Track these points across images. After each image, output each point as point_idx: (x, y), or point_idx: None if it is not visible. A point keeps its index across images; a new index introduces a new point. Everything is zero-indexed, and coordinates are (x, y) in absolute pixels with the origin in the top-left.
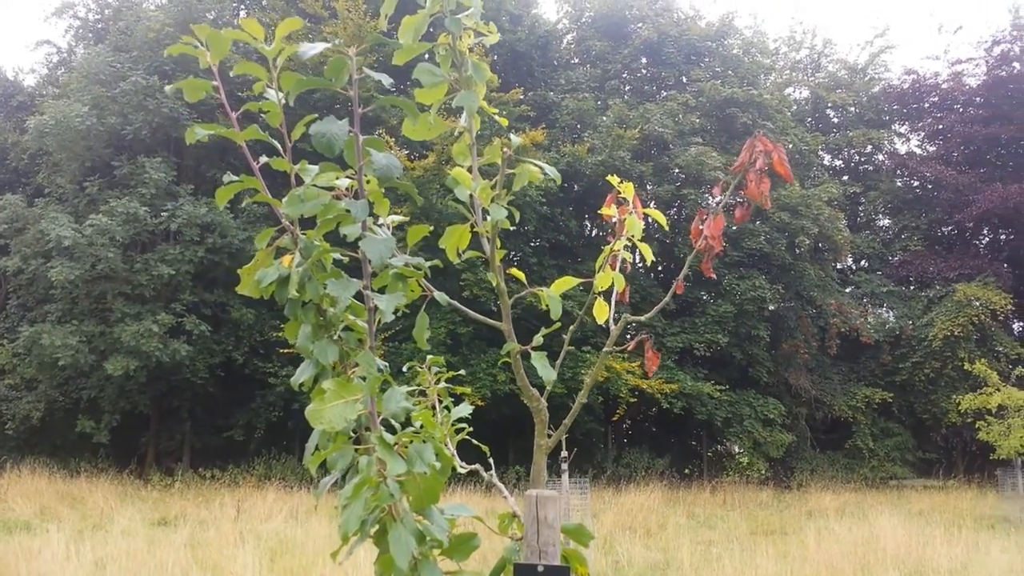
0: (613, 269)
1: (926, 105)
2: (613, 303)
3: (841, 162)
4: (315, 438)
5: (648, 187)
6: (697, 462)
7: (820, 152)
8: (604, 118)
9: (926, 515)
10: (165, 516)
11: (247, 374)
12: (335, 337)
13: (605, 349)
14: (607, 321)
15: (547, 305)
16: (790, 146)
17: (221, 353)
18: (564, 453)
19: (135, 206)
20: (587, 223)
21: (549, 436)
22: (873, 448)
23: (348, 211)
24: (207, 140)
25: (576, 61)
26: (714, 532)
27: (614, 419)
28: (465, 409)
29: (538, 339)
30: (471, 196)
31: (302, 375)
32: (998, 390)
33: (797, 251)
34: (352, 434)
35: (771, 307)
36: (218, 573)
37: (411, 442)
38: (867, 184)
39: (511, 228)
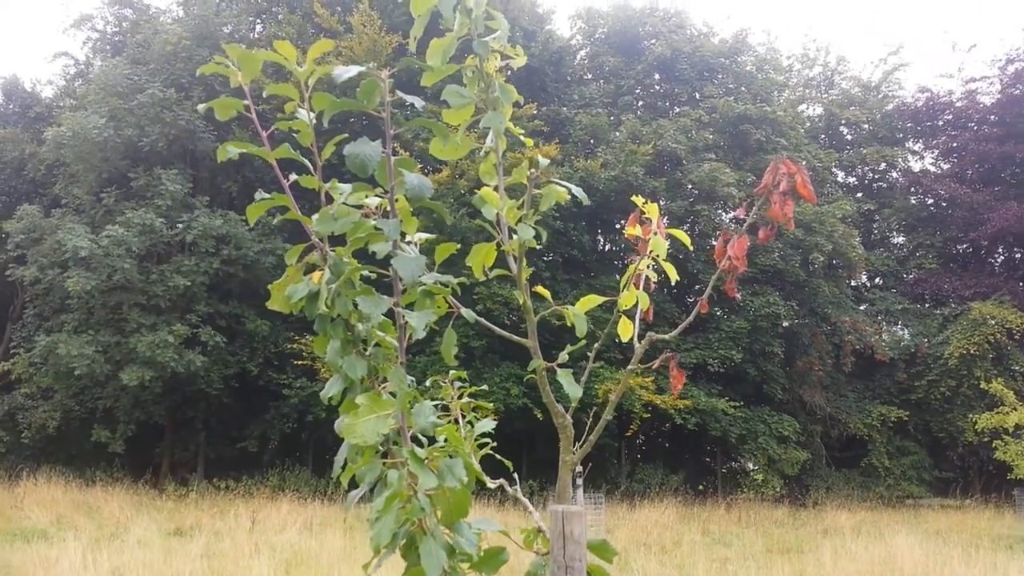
0: (637, 288)
1: (940, 123)
2: (637, 321)
3: (855, 179)
4: (344, 451)
5: (661, 203)
6: (711, 478)
7: (834, 169)
8: (617, 133)
9: (943, 535)
10: (180, 526)
11: (261, 385)
12: (364, 352)
13: (630, 367)
14: (631, 339)
15: (572, 322)
16: (803, 163)
17: (236, 364)
18: (579, 468)
19: (151, 217)
20: (600, 238)
21: (574, 452)
22: (889, 467)
23: (378, 229)
24: (238, 158)
25: (589, 77)
26: (729, 550)
27: (628, 434)
28: (488, 424)
29: (564, 356)
30: (497, 215)
31: (331, 389)
32: (1015, 409)
33: (811, 268)
34: (380, 447)
35: (785, 324)
36: None
37: (441, 457)
38: (881, 201)
39: (537, 247)
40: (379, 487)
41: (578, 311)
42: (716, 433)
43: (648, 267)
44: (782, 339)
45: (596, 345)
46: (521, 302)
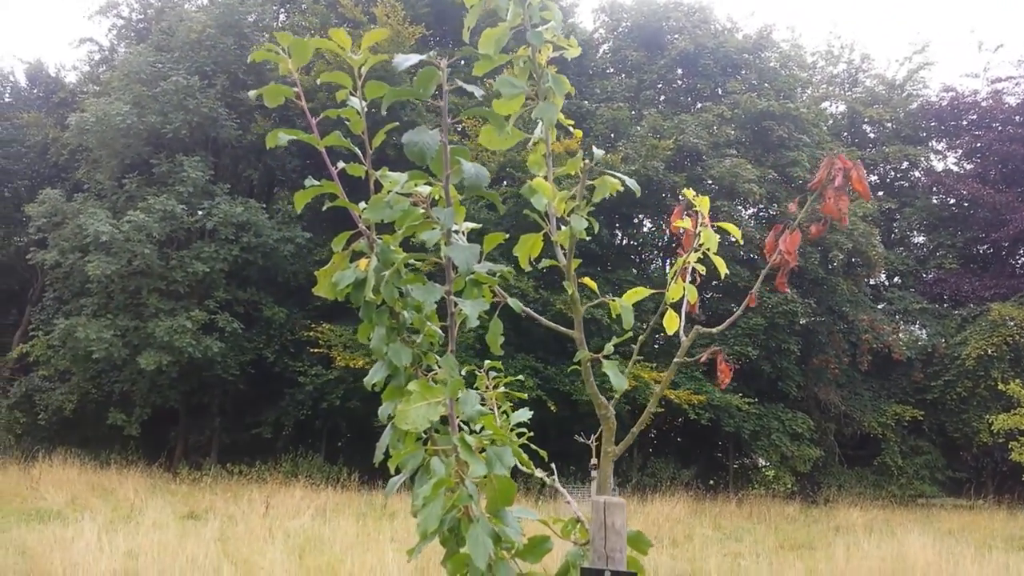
0: (684, 281)
1: (964, 123)
2: (683, 314)
3: (876, 178)
4: (386, 438)
5: (680, 198)
6: (723, 474)
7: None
8: (638, 128)
9: (956, 534)
10: (194, 510)
11: (277, 372)
12: (409, 340)
13: (676, 359)
14: (677, 332)
15: (618, 314)
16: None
17: (252, 351)
18: (593, 461)
19: (172, 204)
20: (618, 231)
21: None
22: (902, 465)
23: (427, 217)
24: (286, 144)
25: (612, 71)
26: (741, 545)
27: (641, 428)
28: (524, 414)
29: (609, 348)
30: (547, 207)
31: (375, 376)
32: None
33: (830, 266)
34: (423, 434)
35: (802, 321)
36: (248, 568)
37: (490, 445)
38: (903, 200)
39: (586, 239)
40: (420, 475)
41: (625, 303)
42: (729, 429)
43: (696, 260)
44: (799, 336)
45: (641, 338)
46: (569, 293)
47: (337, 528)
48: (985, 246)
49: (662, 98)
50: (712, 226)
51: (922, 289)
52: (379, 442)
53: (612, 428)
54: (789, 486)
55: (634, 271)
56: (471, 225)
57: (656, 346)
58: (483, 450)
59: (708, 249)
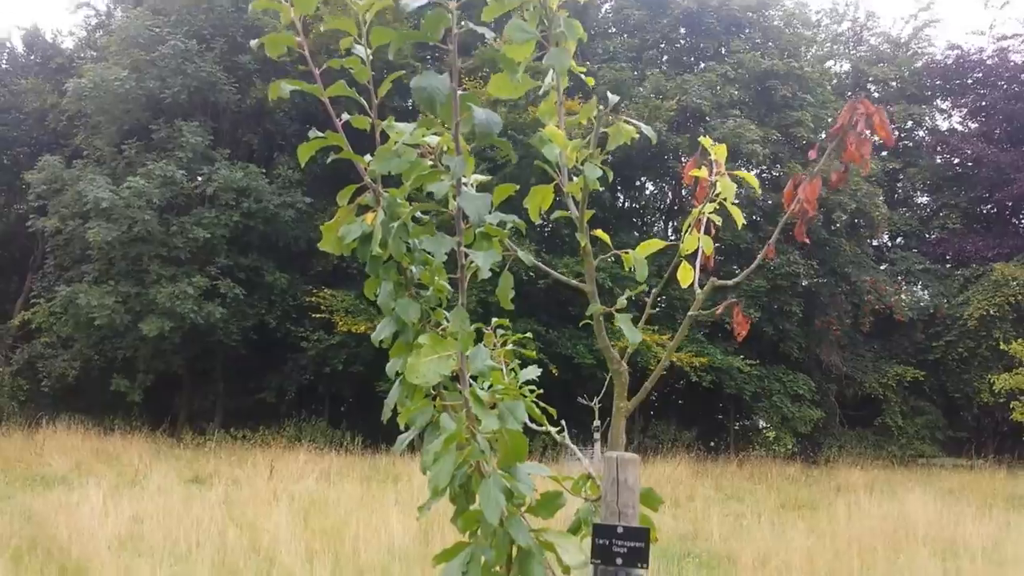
0: (699, 232)
1: (969, 81)
2: (698, 267)
3: (879, 139)
4: (394, 394)
5: (683, 159)
6: (724, 436)
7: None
8: (641, 88)
9: (956, 493)
10: (199, 474)
11: (279, 338)
12: (417, 296)
13: (691, 312)
14: (691, 285)
15: (631, 267)
16: (829, 119)
17: (254, 316)
18: (597, 423)
19: (172, 169)
20: (620, 195)
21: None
22: (903, 426)
23: (436, 168)
24: (288, 97)
25: (613, 31)
26: (742, 505)
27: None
28: (533, 372)
29: (622, 301)
30: (558, 157)
31: (382, 332)
32: None
33: (833, 227)
34: (432, 391)
35: (805, 283)
36: (254, 530)
37: (503, 399)
38: (907, 160)
39: (600, 189)
40: (429, 431)
41: (638, 255)
42: (731, 391)
43: (712, 211)
44: (801, 298)
45: (655, 291)
46: (581, 245)
47: (342, 491)
48: (989, 206)
49: (665, 58)
50: (729, 175)
51: (925, 249)
52: (387, 399)
53: (624, 383)
54: (790, 447)
55: (636, 234)
56: (480, 178)
57: (659, 308)
58: (494, 406)
59: (725, 199)
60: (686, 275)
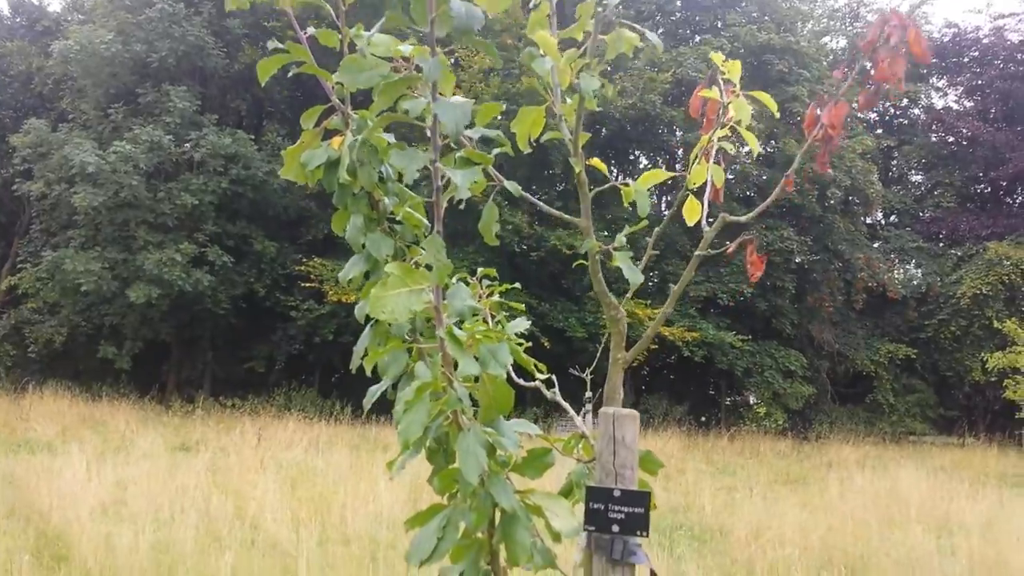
0: (708, 162)
1: (966, 60)
2: (706, 202)
3: (876, 115)
4: (364, 341)
5: (678, 133)
6: (715, 411)
7: (853, 104)
8: (635, 61)
9: (948, 471)
10: (186, 441)
11: (268, 307)
12: (389, 231)
13: (698, 252)
14: (699, 223)
15: (631, 202)
16: (824, 95)
17: (243, 285)
18: (588, 394)
19: (159, 134)
20: (614, 168)
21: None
22: (894, 403)
23: (408, 84)
24: (248, 7)
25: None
26: (734, 479)
27: (634, 364)
28: (522, 323)
29: (621, 239)
30: (550, 74)
31: (351, 270)
32: None
33: (827, 203)
34: (407, 337)
35: (798, 259)
36: (240, 498)
37: (482, 340)
38: (902, 138)
39: (597, 109)
40: (403, 381)
41: (639, 187)
42: (723, 366)
43: (724, 138)
44: (794, 275)
45: (657, 229)
46: (576, 172)
47: (330, 460)
48: (983, 185)
49: (660, 30)
50: (745, 95)
51: (919, 228)
52: (356, 345)
53: (622, 332)
54: (780, 423)
55: (629, 208)
56: (461, 100)
57: (651, 284)
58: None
59: (739, 122)
60: (693, 211)
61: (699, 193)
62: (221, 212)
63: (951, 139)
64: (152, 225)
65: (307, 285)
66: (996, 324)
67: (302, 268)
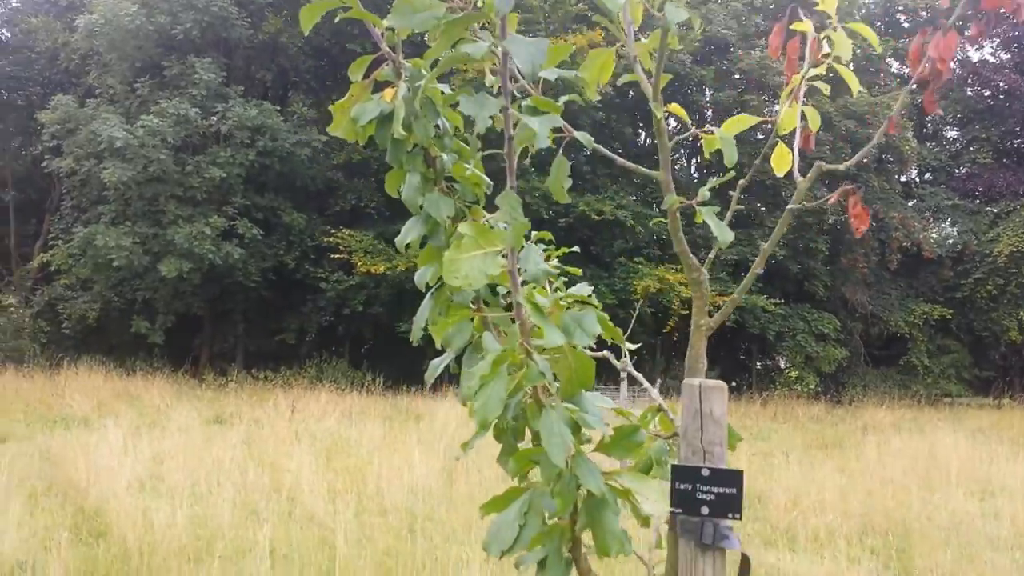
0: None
1: (1001, 10)
2: (796, 150)
3: (908, 70)
4: (425, 310)
5: (708, 92)
6: (746, 375)
7: (889, 59)
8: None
9: (986, 432)
10: (220, 414)
11: (298, 279)
12: (448, 191)
13: (791, 205)
14: (789, 172)
15: (709, 153)
16: (858, 51)
17: (273, 257)
18: (625, 360)
19: (185, 107)
20: (641, 131)
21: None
22: (928, 365)
23: (468, 24)
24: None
25: None
26: (769, 444)
27: (665, 331)
28: (585, 288)
29: (704, 192)
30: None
31: (409, 234)
32: None
33: (862, 161)
34: (472, 304)
35: (831, 220)
36: (275, 470)
37: (568, 308)
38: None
39: (679, 48)
40: (469, 354)
41: (725, 134)
42: (754, 330)
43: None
44: (827, 236)
45: (741, 182)
46: (655, 119)
47: (363, 431)
48: (1020, 140)
49: None
50: (844, 28)
51: (954, 185)
52: (417, 315)
53: (705, 295)
54: (813, 387)
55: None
56: (536, 39)
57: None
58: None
59: (839, 58)
60: (782, 159)
61: (789, 141)
62: (249, 184)
63: (987, 93)
64: (181, 199)
65: (336, 257)
66: None
67: (331, 240)
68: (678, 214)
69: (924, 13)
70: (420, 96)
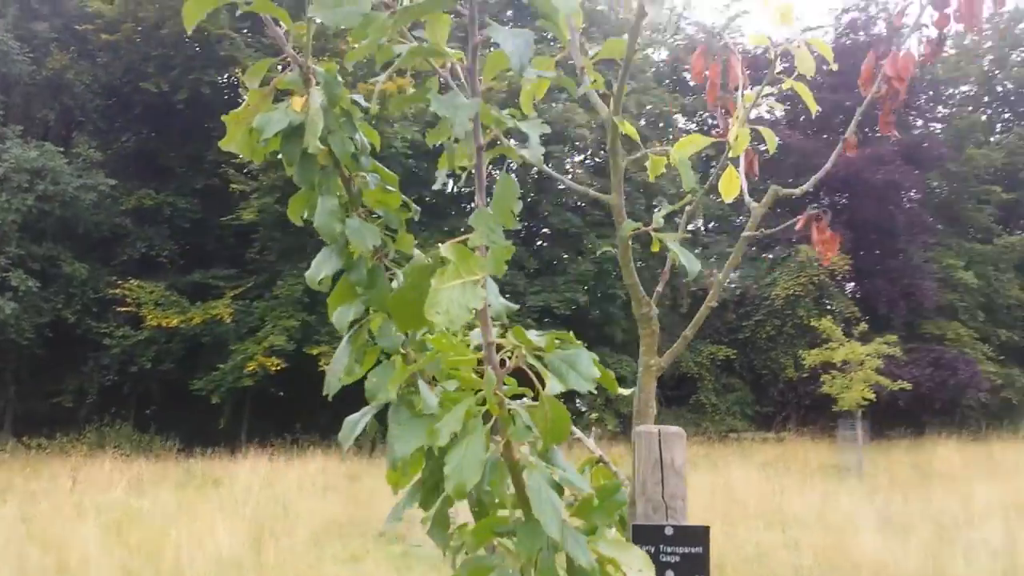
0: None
1: (777, 71)
2: (743, 174)
3: (695, 125)
4: (343, 356)
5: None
6: None
7: (676, 115)
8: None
9: (772, 465)
10: None
11: (79, 335)
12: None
13: (746, 233)
14: (737, 199)
15: (654, 175)
16: (648, 106)
17: (50, 311)
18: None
19: None
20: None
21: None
22: (716, 403)
23: (404, 21)
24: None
25: None
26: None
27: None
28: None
29: (658, 219)
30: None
31: (322, 268)
32: (842, 345)
33: (656, 209)
34: (401, 348)
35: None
36: (60, 550)
37: (556, 348)
38: (718, 147)
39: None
40: (395, 408)
41: (680, 155)
42: None
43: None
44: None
45: (689, 208)
46: (611, 135)
47: (156, 500)
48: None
49: None
50: (807, 45)
51: (735, 233)
52: (332, 362)
53: (654, 333)
54: (611, 428)
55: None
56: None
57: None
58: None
59: (802, 74)
60: (730, 184)
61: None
62: (26, 232)
63: (763, 147)
64: None
65: (123, 310)
66: (812, 322)
67: (117, 291)
68: (630, 243)
69: (706, 72)
70: (336, 106)
